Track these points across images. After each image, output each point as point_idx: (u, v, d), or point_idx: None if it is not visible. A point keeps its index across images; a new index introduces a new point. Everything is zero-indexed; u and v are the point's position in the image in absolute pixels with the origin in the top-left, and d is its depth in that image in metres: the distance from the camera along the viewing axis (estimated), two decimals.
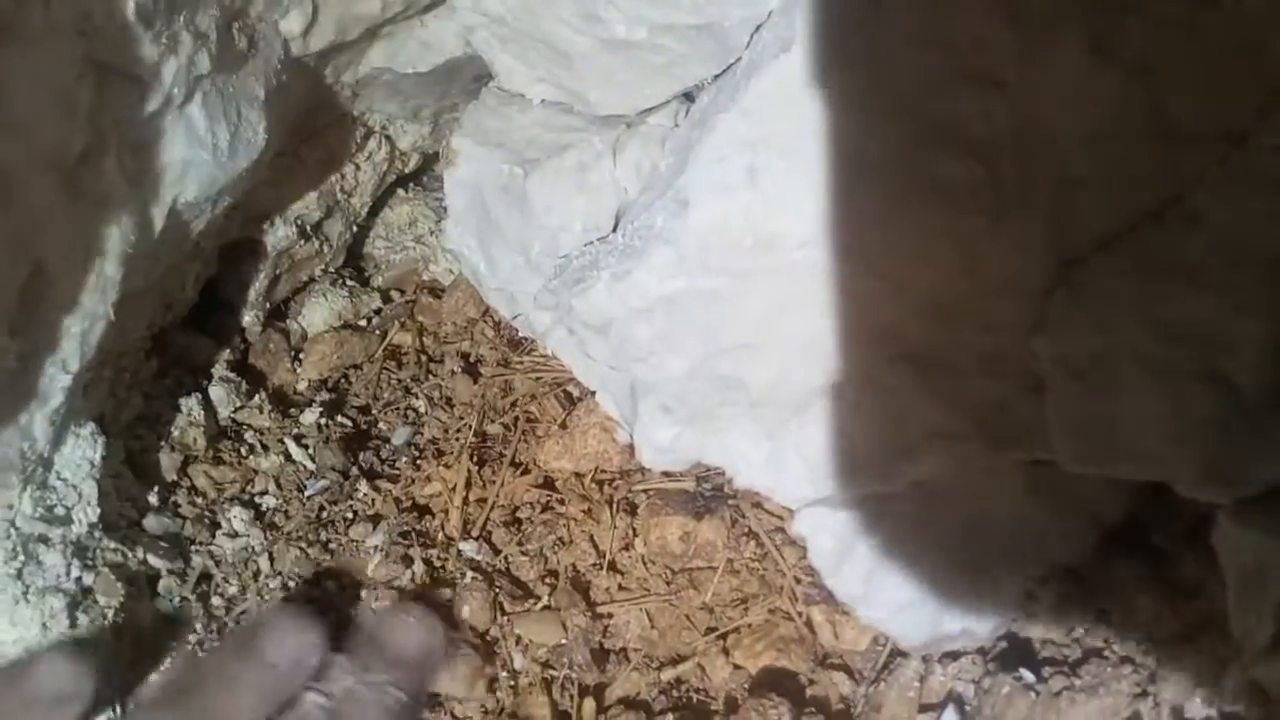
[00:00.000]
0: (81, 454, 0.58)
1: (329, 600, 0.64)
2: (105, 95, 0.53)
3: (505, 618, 0.63)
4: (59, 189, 0.52)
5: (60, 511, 0.57)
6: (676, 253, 0.54)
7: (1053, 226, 0.49)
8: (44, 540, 0.56)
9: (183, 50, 0.55)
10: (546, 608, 0.64)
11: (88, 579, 0.56)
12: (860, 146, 0.49)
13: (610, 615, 0.64)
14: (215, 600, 0.63)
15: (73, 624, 0.54)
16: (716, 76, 0.59)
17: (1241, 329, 0.46)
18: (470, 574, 0.64)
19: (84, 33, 0.50)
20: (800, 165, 0.51)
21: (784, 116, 0.50)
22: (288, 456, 0.72)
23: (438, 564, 0.66)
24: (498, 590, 0.64)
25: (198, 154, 0.59)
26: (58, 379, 0.55)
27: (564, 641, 0.62)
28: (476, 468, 0.71)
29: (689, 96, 0.62)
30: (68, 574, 0.56)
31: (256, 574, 0.65)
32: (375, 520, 0.68)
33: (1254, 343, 0.46)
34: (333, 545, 0.67)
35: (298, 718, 0.49)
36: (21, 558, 0.55)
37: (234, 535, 0.66)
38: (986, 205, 0.48)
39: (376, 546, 0.66)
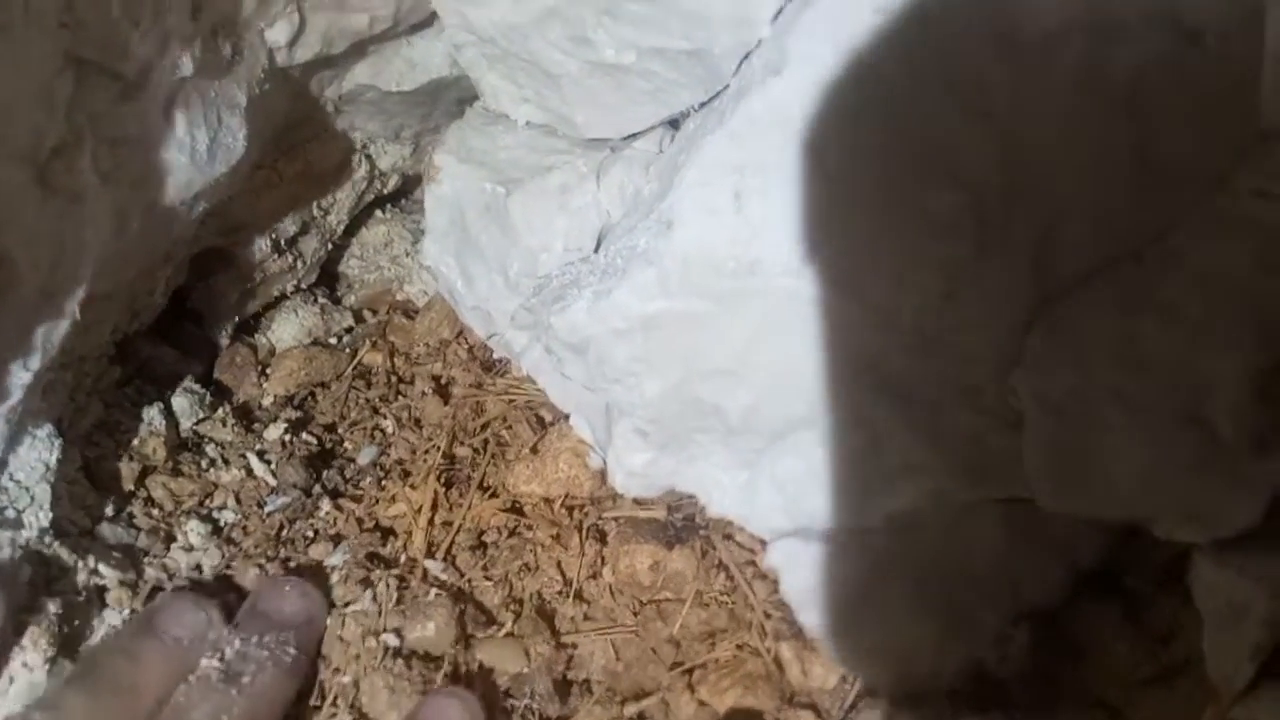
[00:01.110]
0: (37, 456, 0.57)
1: None
2: (84, 91, 0.52)
3: (467, 643, 0.61)
4: (30, 183, 0.51)
5: (11, 514, 0.55)
6: (659, 273, 0.53)
7: (1034, 259, 0.49)
8: None
9: (166, 51, 0.55)
10: (510, 635, 0.62)
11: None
12: (847, 172, 0.49)
13: (575, 645, 0.62)
14: None
15: (18, 630, 0.52)
16: (703, 104, 0.59)
17: (1218, 369, 0.47)
18: (435, 592, 0.63)
19: (66, 26, 0.50)
20: (786, 190, 0.51)
21: (772, 140, 0.50)
22: (249, 471, 0.70)
23: (399, 586, 0.64)
24: (461, 611, 0.62)
25: (175, 156, 0.58)
26: (18, 376, 0.53)
27: (525, 670, 0.61)
28: (443, 489, 0.69)
29: (674, 124, 0.62)
30: (16, 578, 0.54)
31: None
32: (336, 540, 0.67)
33: (1231, 383, 0.46)
34: (292, 563, 0.65)
35: (197, 680, 0.53)
36: None
37: (189, 549, 0.64)
38: (970, 234, 0.49)
39: (336, 566, 0.65)
